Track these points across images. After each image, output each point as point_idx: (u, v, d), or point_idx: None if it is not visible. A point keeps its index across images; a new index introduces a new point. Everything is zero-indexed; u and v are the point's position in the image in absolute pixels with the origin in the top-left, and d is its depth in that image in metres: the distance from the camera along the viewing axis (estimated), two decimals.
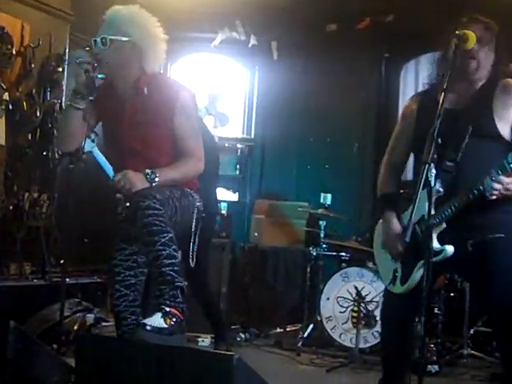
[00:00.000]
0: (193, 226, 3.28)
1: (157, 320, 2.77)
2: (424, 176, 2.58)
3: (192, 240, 3.30)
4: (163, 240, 2.87)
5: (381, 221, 3.22)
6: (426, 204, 2.68)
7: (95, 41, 3.13)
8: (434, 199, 2.64)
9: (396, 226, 3.06)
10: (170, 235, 2.90)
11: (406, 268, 2.98)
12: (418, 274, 2.90)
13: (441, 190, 2.73)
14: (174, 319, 2.80)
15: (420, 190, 2.60)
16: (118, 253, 3.22)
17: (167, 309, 2.80)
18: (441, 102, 2.69)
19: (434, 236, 2.85)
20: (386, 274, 3.13)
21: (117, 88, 3.23)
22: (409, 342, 3.11)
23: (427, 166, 2.57)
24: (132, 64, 3.18)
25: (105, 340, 3.26)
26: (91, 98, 3.13)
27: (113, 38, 3.11)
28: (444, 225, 2.88)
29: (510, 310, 2.82)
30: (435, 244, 2.85)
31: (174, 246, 2.90)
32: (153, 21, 3.24)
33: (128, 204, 3.11)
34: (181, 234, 3.13)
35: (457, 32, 2.83)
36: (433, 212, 2.67)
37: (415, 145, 3.08)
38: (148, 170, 3.04)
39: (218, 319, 4.73)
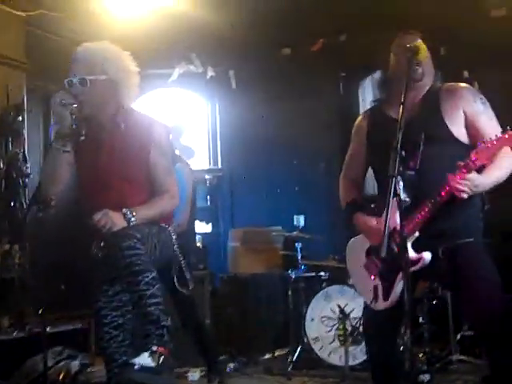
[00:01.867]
0: (179, 258, 3.38)
1: (144, 359, 2.75)
2: (392, 189, 2.60)
3: (177, 269, 3.41)
4: (146, 279, 2.86)
5: (351, 240, 3.25)
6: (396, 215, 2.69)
7: (71, 81, 3.10)
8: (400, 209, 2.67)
9: (371, 220, 3.05)
10: (153, 274, 2.90)
11: (386, 283, 2.98)
12: (399, 286, 2.90)
13: (407, 199, 2.72)
14: (162, 357, 2.79)
15: (390, 203, 2.60)
16: (101, 295, 3.19)
17: (154, 348, 2.79)
18: (400, 113, 2.73)
19: (409, 245, 2.85)
20: (366, 292, 3.11)
21: (93, 125, 3.19)
22: (397, 355, 3.11)
23: (394, 178, 2.60)
24: (110, 100, 3.18)
25: None
26: (82, 137, 3.11)
27: (92, 78, 3.09)
28: (417, 233, 2.90)
29: (487, 313, 2.82)
30: (412, 253, 2.86)
31: (157, 285, 2.90)
32: (125, 55, 3.25)
33: (103, 244, 3.09)
34: (159, 268, 3.11)
35: (408, 45, 2.93)
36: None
37: (371, 160, 3.18)
38: (125, 210, 3.03)
39: (210, 349, 4.67)
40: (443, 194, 2.82)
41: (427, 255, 2.87)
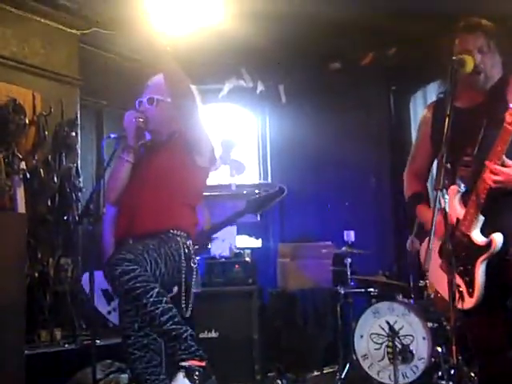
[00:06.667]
0: (182, 273, 3.14)
1: (181, 381, 2.72)
2: (438, 202, 2.55)
3: (182, 289, 3.16)
4: (151, 299, 2.80)
5: (424, 242, 3.13)
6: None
7: (141, 101, 3.41)
8: (459, 197, 2.78)
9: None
10: (156, 290, 2.83)
11: (466, 277, 2.86)
12: (481, 276, 2.81)
13: (462, 187, 2.81)
14: (197, 372, 2.75)
15: (435, 217, 2.55)
16: (123, 315, 3.16)
17: (186, 364, 2.75)
18: (446, 127, 2.67)
19: (478, 231, 2.85)
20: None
21: (152, 142, 3.46)
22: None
23: (439, 192, 2.55)
24: (171, 121, 3.40)
25: None
26: (141, 144, 3.44)
27: (159, 97, 3.38)
28: (481, 217, 2.84)
29: None
30: (480, 238, 2.84)
31: (165, 299, 2.84)
32: (188, 81, 3.39)
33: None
34: (172, 282, 3.08)
35: (454, 58, 2.89)
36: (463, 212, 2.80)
37: (434, 151, 3.10)
38: None
39: None
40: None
41: (498, 236, 2.79)
